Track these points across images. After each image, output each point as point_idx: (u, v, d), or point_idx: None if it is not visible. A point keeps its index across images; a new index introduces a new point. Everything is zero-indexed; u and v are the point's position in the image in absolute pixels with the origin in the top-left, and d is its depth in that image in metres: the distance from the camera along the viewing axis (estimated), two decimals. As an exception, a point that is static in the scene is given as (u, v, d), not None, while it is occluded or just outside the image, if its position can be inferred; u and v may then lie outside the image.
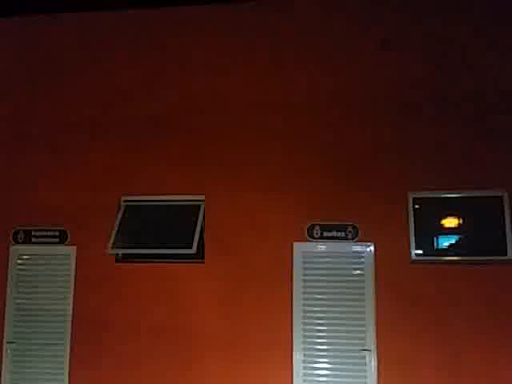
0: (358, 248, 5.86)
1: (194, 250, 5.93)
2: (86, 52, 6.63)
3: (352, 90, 6.12)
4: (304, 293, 5.83)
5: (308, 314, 5.80)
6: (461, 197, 5.77)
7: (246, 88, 6.31)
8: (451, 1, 6.10)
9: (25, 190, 6.48)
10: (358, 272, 5.82)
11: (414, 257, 5.73)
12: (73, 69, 6.61)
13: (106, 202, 6.32)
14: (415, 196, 5.79)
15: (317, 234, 5.92)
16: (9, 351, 6.20)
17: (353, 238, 5.86)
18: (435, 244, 5.75)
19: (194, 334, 5.94)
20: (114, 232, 6.16)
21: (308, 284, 5.86)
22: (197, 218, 6.10)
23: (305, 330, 5.77)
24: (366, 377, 5.63)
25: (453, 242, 5.75)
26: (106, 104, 6.53)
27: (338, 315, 5.76)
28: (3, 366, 6.20)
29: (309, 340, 5.76)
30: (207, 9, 6.38)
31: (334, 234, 5.89)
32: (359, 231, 5.86)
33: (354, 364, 5.68)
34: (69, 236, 6.33)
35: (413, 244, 5.72)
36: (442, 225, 5.76)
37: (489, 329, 5.52)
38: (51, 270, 6.29)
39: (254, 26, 6.38)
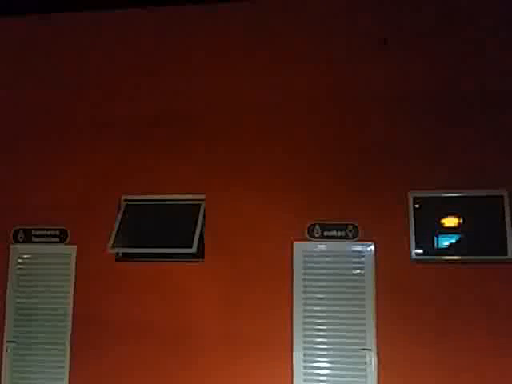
0: (358, 247, 5.86)
1: (194, 250, 5.94)
2: (86, 52, 6.64)
3: (352, 89, 6.13)
4: (304, 292, 5.84)
5: (308, 314, 5.81)
6: (461, 196, 5.78)
7: (245, 88, 6.32)
8: (451, 1, 6.12)
9: (25, 190, 6.48)
10: (359, 271, 5.83)
11: (414, 256, 5.74)
12: (73, 69, 6.62)
13: (106, 202, 6.33)
14: (415, 196, 5.81)
15: (317, 233, 5.92)
16: (9, 350, 6.21)
17: (353, 238, 5.87)
18: (435, 243, 5.76)
19: (194, 333, 5.95)
20: (114, 231, 6.17)
21: (308, 283, 5.87)
22: (197, 218, 6.11)
23: (305, 330, 5.79)
24: (366, 376, 5.64)
25: (453, 241, 5.77)
26: (106, 104, 6.53)
27: (338, 314, 5.77)
28: (3, 365, 6.21)
29: (309, 339, 5.77)
30: (207, 9, 6.39)
31: (335, 233, 5.90)
32: (359, 230, 5.87)
33: (354, 363, 5.69)
34: (69, 235, 6.33)
35: (413, 243, 5.74)
36: (442, 224, 5.78)
37: (489, 328, 5.52)
38: (51, 270, 6.31)
39: (254, 25, 6.40)
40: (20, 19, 6.73)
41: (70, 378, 6.07)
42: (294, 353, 5.76)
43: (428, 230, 5.76)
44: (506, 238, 5.60)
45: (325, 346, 5.76)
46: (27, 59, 6.75)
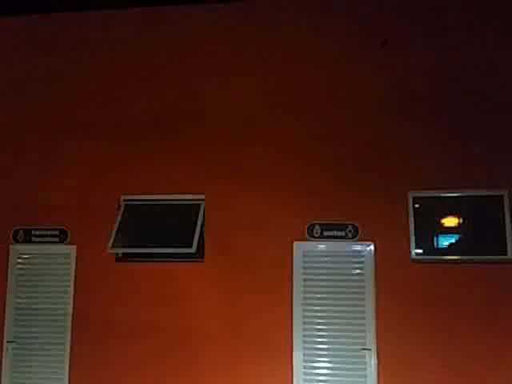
0: (358, 247, 5.86)
1: (193, 250, 5.94)
2: (86, 52, 6.63)
3: (352, 89, 6.13)
4: (304, 292, 5.84)
5: (308, 314, 5.81)
6: (461, 196, 5.78)
7: (245, 88, 6.31)
8: (451, 0, 6.12)
9: (25, 190, 6.48)
10: (358, 271, 5.82)
11: (414, 256, 5.73)
12: (73, 68, 6.62)
13: (106, 202, 6.33)
14: (415, 195, 5.80)
15: (317, 233, 5.92)
16: (9, 350, 6.21)
17: (353, 238, 5.86)
18: (435, 243, 5.76)
19: (194, 333, 5.95)
20: (113, 231, 6.17)
21: (308, 283, 5.86)
22: (197, 218, 6.11)
23: (305, 330, 5.78)
24: (365, 376, 5.63)
25: (453, 241, 5.77)
26: (106, 104, 6.53)
27: (337, 314, 5.77)
28: (3, 365, 6.20)
29: (309, 339, 5.77)
30: (207, 9, 6.39)
31: (334, 233, 5.89)
32: (359, 230, 5.86)
33: (354, 363, 5.69)
34: (69, 235, 6.33)
35: (413, 243, 5.73)
36: (442, 224, 5.77)
37: (489, 328, 5.52)
38: (51, 270, 6.30)
39: (254, 26, 6.39)
40: (20, 19, 6.73)
41: (69, 378, 6.07)
42: (293, 353, 5.76)
43: (428, 230, 5.75)
44: (506, 238, 5.59)
45: (325, 346, 5.75)
46: (27, 59, 6.74)
